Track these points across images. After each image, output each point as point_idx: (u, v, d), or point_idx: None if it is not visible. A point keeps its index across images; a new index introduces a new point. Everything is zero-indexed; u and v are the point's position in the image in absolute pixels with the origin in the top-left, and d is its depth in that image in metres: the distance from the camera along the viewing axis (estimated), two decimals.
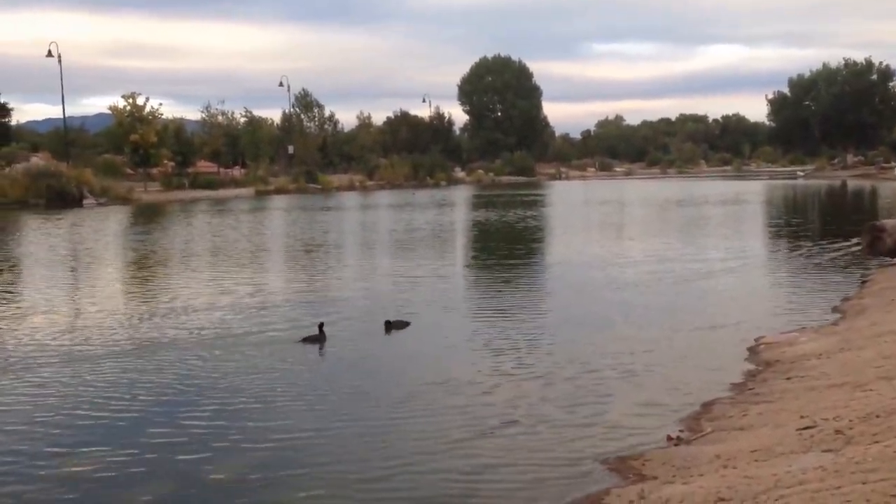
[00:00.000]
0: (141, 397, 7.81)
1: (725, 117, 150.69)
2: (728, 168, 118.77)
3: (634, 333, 10.35)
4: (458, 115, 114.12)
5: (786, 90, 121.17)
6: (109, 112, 62.35)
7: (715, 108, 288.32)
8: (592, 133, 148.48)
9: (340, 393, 7.89)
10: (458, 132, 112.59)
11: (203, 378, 8.43)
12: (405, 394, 7.83)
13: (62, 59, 56.66)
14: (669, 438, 6.40)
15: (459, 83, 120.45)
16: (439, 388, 7.98)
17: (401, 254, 20.72)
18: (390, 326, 10.57)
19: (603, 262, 17.62)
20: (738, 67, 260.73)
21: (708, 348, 9.49)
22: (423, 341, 10.23)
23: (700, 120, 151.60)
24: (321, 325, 10.11)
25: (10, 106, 67.58)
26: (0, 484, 5.76)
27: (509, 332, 10.46)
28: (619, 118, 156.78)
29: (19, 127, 73.21)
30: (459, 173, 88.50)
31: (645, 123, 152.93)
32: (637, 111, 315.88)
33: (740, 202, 41.29)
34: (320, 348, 9.78)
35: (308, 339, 9.94)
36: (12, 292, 14.90)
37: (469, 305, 12.94)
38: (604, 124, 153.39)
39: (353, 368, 8.90)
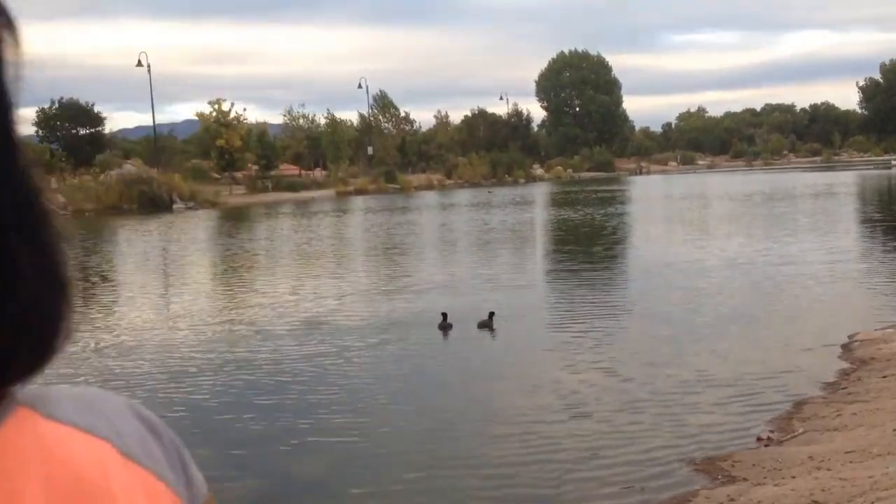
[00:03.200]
0: (238, 389, 8.10)
1: (813, 106, 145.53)
2: (817, 159, 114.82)
3: (720, 331, 10.18)
4: (536, 112, 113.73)
5: (877, 76, 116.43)
6: (196, 118, 64.52)
7: (802, 96, 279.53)
8: (674, 126, 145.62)
9: (422, 389, 8.03)
10: (536, 129, 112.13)
11: (294, 370, 8.68)
12: (487, 393, 7.91)
13: (151, 68, 58.79)
14: (759, 439, 6.30)
15: (537, 79, 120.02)
16: (521, 388, 8.03)
17: (481, 253, 20.81)
18: (446, 325, 10.71)
19: (687, 258, 17.33)
20: (825, 54, 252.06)
21: (799, 346, 9.26)
22: (505, 341, 10.30)
23: (787, 109, 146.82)
24: (492, 314, 10.68)
25: (103, 115, 70.46)
26: None
27: (591, 333, 10.42)
28: (701, 110, 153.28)
29: (112, 135, 76.19)
30: (538, 170, 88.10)
31: (728, 115, 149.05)
32: (720, 102, 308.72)
33: (831, 195, 39.94)
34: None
35: (480, 325, 10.58)
36: (118, 293, 15.59)
37: (549, 305, 12.93)
38: (685, 117, 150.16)
39: (434, 365, 9.04)
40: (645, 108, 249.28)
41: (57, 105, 68.60)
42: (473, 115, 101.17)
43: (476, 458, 6.20)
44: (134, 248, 25.10)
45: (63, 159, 54.86)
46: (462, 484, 5.76)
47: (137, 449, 0.60)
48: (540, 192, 55.96)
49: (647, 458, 6.03)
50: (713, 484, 5.46)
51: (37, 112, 68.76)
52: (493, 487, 5.66)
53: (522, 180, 77.36)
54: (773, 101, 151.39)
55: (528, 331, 10.77)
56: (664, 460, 5.97)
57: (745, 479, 5.42)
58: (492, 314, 10.72)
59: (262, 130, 68.45)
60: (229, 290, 15.83)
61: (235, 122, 60.57)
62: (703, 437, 6.43)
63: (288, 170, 70.97)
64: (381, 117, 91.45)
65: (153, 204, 44.79)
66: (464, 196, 53.33)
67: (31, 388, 0.59)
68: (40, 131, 69.26)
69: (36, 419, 0.57)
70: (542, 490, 5.60)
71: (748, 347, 9.30)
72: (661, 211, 34.77)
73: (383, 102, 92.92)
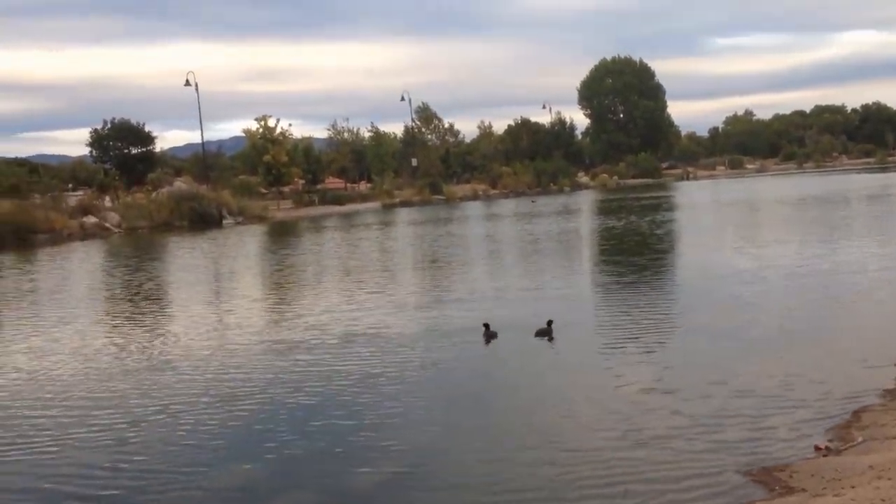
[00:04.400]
0: (287, 402, 8.21)
1: (865, 106, 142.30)
2: (871, 160, 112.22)
3: (775, 341, 10.03)
4: (579, 120, 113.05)
5: None
6: (243, 135, 65.57)
7: (852, 97, 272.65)
8: (721, 130, 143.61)
9: (466, 400, 8.04)
10: (579, 136, 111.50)
11: (342, 383, 8.76)
12: (544, 401, 7.90)
13: (199, 87, 59.87)
14: (818, 448, 6.19)
15: (579, 87, 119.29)
16: (578, 399, 8.01)
17: (526, 264, 20.77)
18: (490, 335, 10.74)
19: (737, 267, 17.09)
20: (875, 53, 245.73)
21: (856, 354, 9.08)
22: (555, 350, 10.28)
23: (837, 110, 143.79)
24: (550, 321, 10.81)
25: (153, 134, 71.98)
26: (153, 478, 6.20)
27: (641, 343, 10.35)
28: (748, 113, 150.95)
29: (163, 153, 77.78)
30: (583, 178, 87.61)
31: (777, 117, 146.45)
32: (768, 105, 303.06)
33: (886, 197, 39.01)
34: (549, 340, 10.58)
35: (538, 333, 10.69)
36: (170, 308, 15.91)
37: (598, 316, 12.87)
38: (732, 121, 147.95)
39: (489, 374, 9.06)
40: (690, 113, 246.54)
41: (109, 126, 70.29)
42: (516, 124, 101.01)
43: (528, 471, 6.20)
44: (185, 263, 25.56)
45: (117, 178, 56.10)
46: (514, 498, 5.76)
47: None
48: (585, 201, 55.65)
49: (702, 469, 5.97)
50: (770, 495, 5.38)
51: (90, 133, 70.63)
52: (545, 499, 5.66)
53: (567, 188, 77.00)
54: (823, 103, 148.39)
55: (577, 341, 10.72)
56: (720, 471, 5.90)
57: (803, 490, 5.34)
58: (550, 322, 10.78)
59: (307, 145, 69.28)
60: (278, 304, 16.04)
61: (281, 138, 61.40)
62: (759, 447, 6.34)
63: (333, 183, 71.68)
64: (424, 129, 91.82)
65: (203, 220, 45.53)
66: (508, 206, 53.25)
67: None
68: (94, 151, 71.08)
69: None
70: (595, 501, 5.57)
71: (804, 356, 9.15)
72: (710, 217, 34.31)
73: (426, 114, 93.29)
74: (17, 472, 6.76)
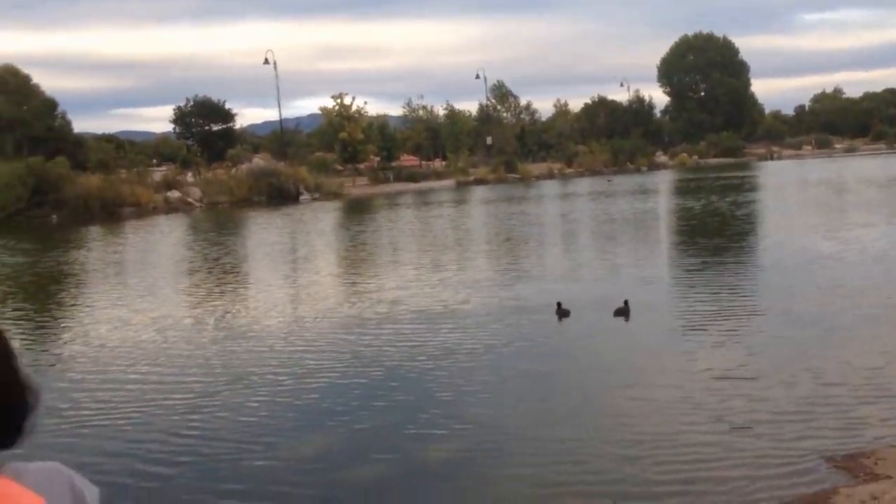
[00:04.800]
0: (359, 376, 8.29)
1: None
2: None
3: (861, 327, 9.65)
4: (658, 98, 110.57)
5: None
6: (320, 112, 66.35)
7: None
8: (807, 108, 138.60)
9: (550, 376, 7.98)
10: (658, 115, 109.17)
11: (414, 359, 8.80)
12: (617, 382, 7.79)
13: (277, 65, 60.73)
14: None
15: (659, 64, 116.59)
16: (654, 382, 7.87)
17: (601, 243, 20.50)
18: (562, 312, 10.63)
19: (823, 251, 16.51)
20: None
21: None
22: (629, 331, 10.12)
23: None
24: (626, 301, 10.64)
25: (234, 111, 73.50)
26: (227, 446, 6.34)
27: (721, 327, 10.10)
28: (837, 91, 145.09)
29: (242, 130, 79.40)
30: (661, 157, 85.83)
31: (867, 95, 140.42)
32: (858, 83, 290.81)
33: None
34: (626, 320, 10.42)
35: (617, 312, 10.56)
36: (255, 280, 16.26)
37: (675, 298, 12.61)
38: (820, 98, 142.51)
39: (561, 353, 8.98)
40: (776, 91, 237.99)
41: (191, 103, 72.07)
42: (593, 102, 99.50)
43: (600, 453, 6.12)
44: (263, 238, 26.08)
45: (198, 154, 57.53)
46: (585, 479, 5.70)
47: (58, 501, 1.21)
48: (663, 180, 54.56)
49: (785, 454, 5.78)
50: (855, 482, 5.19)
51: (174, 110, 72.57)
52: (617, 482, 5.57)
53: (645, 168, 75.55)
54: None
55: (653, 322, 10.52)
56: (803, 457, 5.71)
57: (888, 477, 5.13)
58: (626, 302, 10.65)
59: (382, 123, 69.66)
60: (353, 280, 16.21)
61: (357, 116, 61.90)
62: (844, 434, 6.12)
63: (408, 161, 71.98)
64: (499, 107, 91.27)
65: (281, 196, 46.33)
66: (584, 185, 52.60)
67: (15, 462, 1.22)
68: (177, 128, 73.06)
69: (9, 483, 1.18)
70: (673, 487, 5.46)
71: (890, 342, 8.77)
72: (794, 198, 33.21)
73: (501, 92, 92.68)
74: (99, 436, 7.01)
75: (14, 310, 13.98)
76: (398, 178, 60.61)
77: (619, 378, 8.02)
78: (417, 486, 5.76)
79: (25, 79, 58.02)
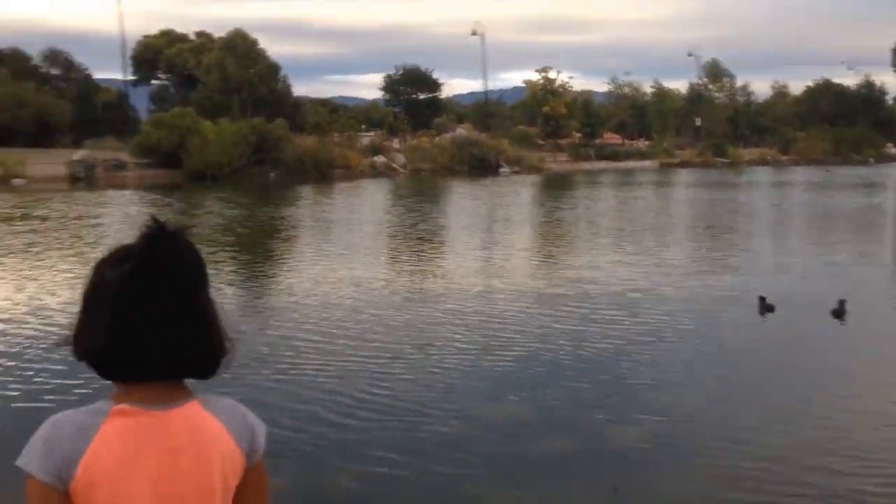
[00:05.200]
0: (542, 357, 8.13)
1: None
2: None
3: None
4: (891, 84, 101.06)
5: None
6: (524, 85, 66.35)
7: None
8: None
9: (747, 371, 7.44)
10: (891, 102, 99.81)
11: (601, 345, 8.51)
12: (825, 387, 7.14)
13: (485, 37, 61.22)
14: None
15: (894, 47, 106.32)
16: (870, 391, 7.14)
17: (814, 237, 19.00)
18: (766, 307, 9.86)
19: None
20: None
21: None
22: (850, 335, 9.26)
23: None
24: (842, 301, 9.77)
25: (440, 81, 75.12)
26: (428, 413, 6.38)
27: None
28: None
29: (447, 100, 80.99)
30: (892, 149, 78.50)
31: None
32: None
33: None
34: (841, 321, 9.57)
35: (834, 313, 9.74)
36: (449, 248, 16.54)
37: None
38: None
39: (761, 348, 8.36)
40: None
41: (401, 72, 74.38)
42: (817, 85, 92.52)
43: (810, 463, 5.60)
44: (461, 207, 26.47)
45: (405, 122, 59.36)
46: (790, 490, 5.23)
47: (234, 429, 1.59)
48: (893, 174, 49.84)
49: None
50: None
51: (384, 78, 75.26)
52: (824, 497, 5.06)
53: (871, 160, 69.39)
54: None
55: (874, 326, 9.57)
56: None
57: None
58: (842, 301, 9.73)
59: (586, 98, 68.58)
60: (546, 255, 16.04)
61: (561, 90, 61.34)
62: None
63: (611, 139, 70.51)
64: (711, 86, 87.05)
65: (482, 166, 46.88)
66: (800, 174, 49.16)
67: (203, 394, 1.59)
68: (386, 95, 75.75)
69: (198, 406, 1.57)
70: (838, 489, 4.90)
71: None
72: None
73: (715, 71, 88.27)
74: (291, 381, 7.30)
75: (227, 258, 15.01)
76: (599, 156, 59.55)
77: (833, 385, 7.32)
78: (596, 470, 5.53)
79: (253, 43, 62.15)
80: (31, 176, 35.57)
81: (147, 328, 1.52)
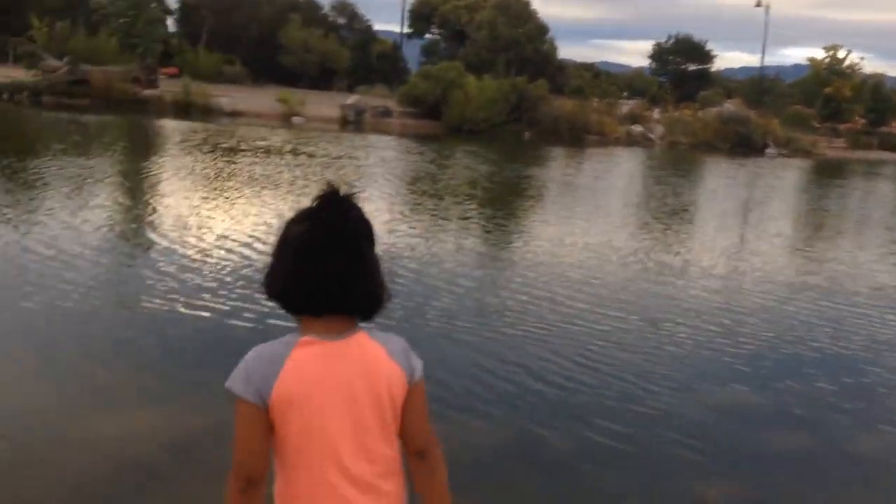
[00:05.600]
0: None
1: None
2: None
3: None
4: None
5: None
6: (807, 63, 61.27)
7: None
8: None
9: None
10: None
11: (863, 339, 7.74)
12: None
13: (769, 9, 57.12)
14: None
15: None
16: None
17: None
18: None
19: None
20: None
21: None
22: None
23: None
24: None
25: (713, 53, 71.39)
26: (624, 383, 6.17)
27: None
28: None
29: (717, 73, 76.85)
30: None
31: None
32: None
33: None
34: None
35: None
36: (694, 226, 15.85)
37: None
38: None
39: None
40: None
41: (673, 40, 71.56)
42: None
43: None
44: (715, 186, 25.16)
45: (668, 92, 57.28)
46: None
47: (396, 355, 1.97)
48: None
49: None
50: None
51: (653, 46, 72.85)
52: None
53: None
54: None
55: None
56: None
57: None
58: None
59: (877, 82, 62.04)
60: (800, 245, 14.83)
61: (848, 71, 55.98)
62: None
63: None
64: None
65: (746, 145, 44.20)
66: None
67: (372, 328, 2.00)
68: (653, 64, 73.36)
69: (366, 336, 1.97)
70: None
71: None
72: None
73: None
74: (506, 344, 7.34)
75: (467, 211, 15.37)
76: (883, 146, 53.85)
77: None
78: (831, 475, 5.05)
79: (526, 4, 62.63)
80: (309, 116, 38.53)
81: (320, 276, 1.87)
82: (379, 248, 2.00)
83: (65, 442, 4.63)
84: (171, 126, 28.81)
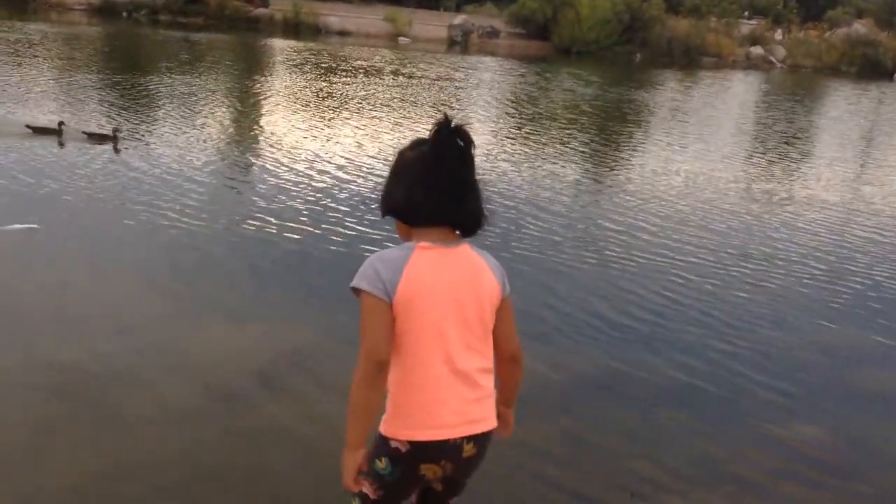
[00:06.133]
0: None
1: None
2: None
3: None
4: None
5: None
6: None
7: None
8: None
9: None
10: None
11: None
12: None
13: None
14: None
15: None
16: None
17: None
18: None
19: None
20: None
21: None
22: None
23: None
24: None
25: None
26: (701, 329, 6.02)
27: None
28: None
29: None
30: None
31: None
32: None
33: None
34: None
35: None
36: (806, 156, 15.09)
37: None
38: None
39: None
40: None
41: None
42: None
43: None
44: (837, 113, 23.76)
45: (794, 11, 53.92)
46: None
47: (493, 267, 2.32)
48: None
49: None
50: None
51: None
52: None
53: None
54: None
55: None
56: None
57: None
58: None
59: None
60: None
61: None
62: None
63: None
64: None
65: (874, 70, 41.46)
66: None
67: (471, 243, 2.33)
68: None
69: (470, 248, 2.30)
70: None
71: None
72: None
73: None
74: (593, 273, 7.23)
75: (563, 135, 15.04)
76: None
77: None
78: None
79: None
80: (415, 36, 38.27)
81: (434, 192, 2.19)
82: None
83: (186, 350, 4.92)
84: (278, 45, 29.17)
